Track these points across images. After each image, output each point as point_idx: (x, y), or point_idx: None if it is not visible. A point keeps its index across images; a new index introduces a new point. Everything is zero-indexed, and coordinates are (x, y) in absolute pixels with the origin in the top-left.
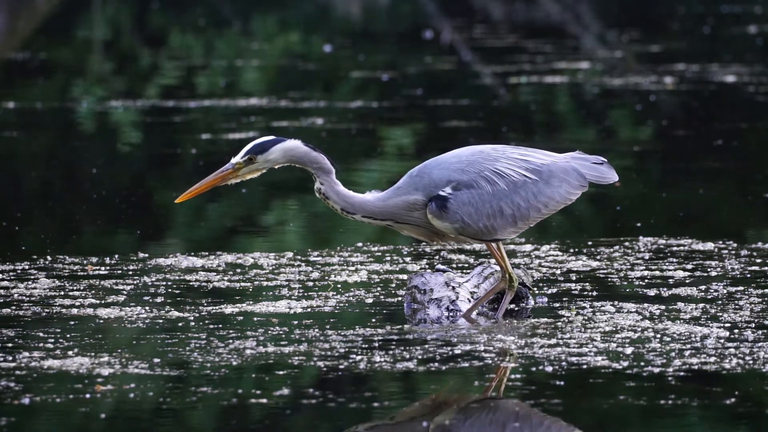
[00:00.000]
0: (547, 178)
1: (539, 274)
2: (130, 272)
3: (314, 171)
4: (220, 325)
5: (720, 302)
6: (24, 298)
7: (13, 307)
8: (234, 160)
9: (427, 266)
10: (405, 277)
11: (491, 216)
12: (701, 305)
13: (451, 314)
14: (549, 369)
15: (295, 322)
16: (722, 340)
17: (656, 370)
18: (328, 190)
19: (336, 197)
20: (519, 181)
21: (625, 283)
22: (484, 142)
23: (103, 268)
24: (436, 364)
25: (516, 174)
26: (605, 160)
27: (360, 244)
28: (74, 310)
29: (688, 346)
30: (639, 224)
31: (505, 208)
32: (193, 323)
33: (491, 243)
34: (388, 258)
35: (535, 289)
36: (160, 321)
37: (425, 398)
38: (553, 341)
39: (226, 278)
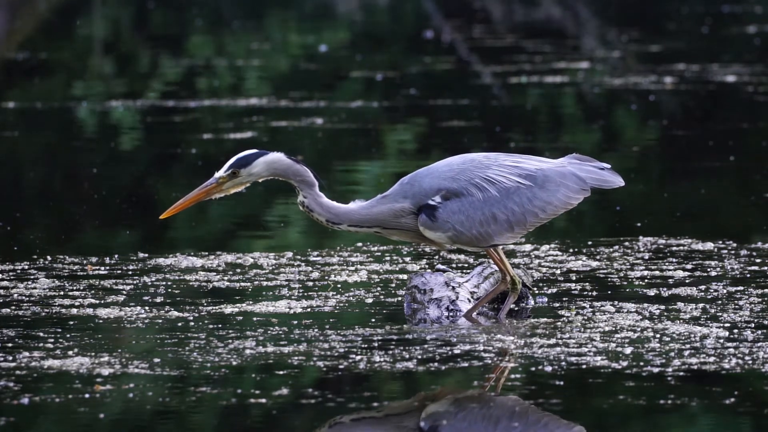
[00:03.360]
0: (542, 183)
1: (539, 274)
2: (130, 272)
3: (297, 184)
4: (220, 325)
5: (720, 302)
6: (24, 298)
7: (13, 307)
8: (217, 175)
9: (427, 266)
10: (405, 277)
11: (484, 223)
12: (701, 305)
13: (451, 314)
14: (549, 369)
15: (295, 322)
16: (722, 340)
17: (656, 370)
18: (311, 203)
19: (320, 209)
20: (512, 187)
21: (625, 283)
22: (483, 143)
23: (103, 268)
24: (436, 364)
25: (508, 180)
26: (608, 165)
27: (360, 244)
28: (74, 310)
29: (688, 346)
30: (639, 224)
31: (499, 214)
32: (192, 323)
33: (490, 249)
34: (388, 258)
35: (535, 289)
36: (160, 321)
37: (417, 394)
38: (553, 341)
39: (226, 278)
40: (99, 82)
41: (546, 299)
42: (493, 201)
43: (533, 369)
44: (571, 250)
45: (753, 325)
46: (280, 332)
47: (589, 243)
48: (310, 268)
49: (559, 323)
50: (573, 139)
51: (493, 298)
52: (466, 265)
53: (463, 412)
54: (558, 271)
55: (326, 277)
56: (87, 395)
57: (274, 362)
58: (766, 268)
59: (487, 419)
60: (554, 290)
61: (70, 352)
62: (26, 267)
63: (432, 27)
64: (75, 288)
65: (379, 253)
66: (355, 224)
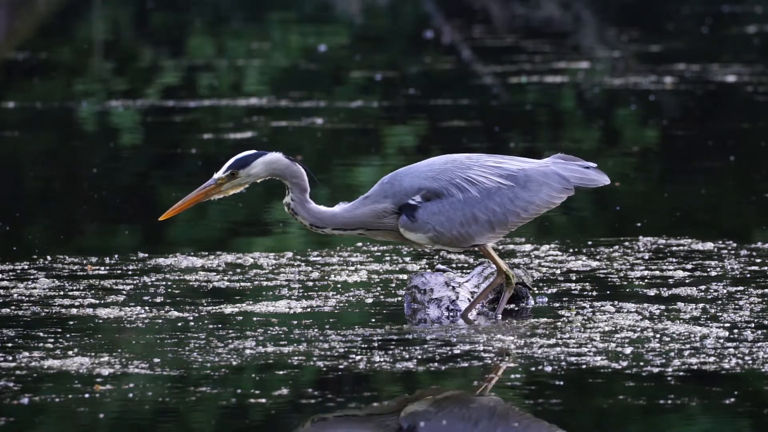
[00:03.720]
0: (523, 183)
1: (539, 274)
2: (130, 272)
3: (291, 185)
4: (220, 325)
5: (720, 302)
6: (24, 298)
7: (13, 307)
8: (216, 176)
9: (427, 266)
10: (405, 277)
11: (464, 224)
12: (701, 305)
13: (451, 314)
14: (548, 369)
15: (295, 322)
16: (722, 340)
17: (656, 370)
18: (297, 206)
19: (305, 213)
20: (492, 187)
21: (625, 283)
22: (483, 143)
23: (103, 268)
24: (436, 364)
25: (489, 181)
26: (594, 164)
27: (360, 244)
28: (74, 310)
29: (688, 346)
30: (639, 224)
31: (480, 215)
32: (192, 323)
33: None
34: (388, 258)
35: (535, 289)
36: (160, 321)
37: (401, 395)
38: (553, 341)
39: (226, 278)
40: (99, 82)
41: (546, 299)
42: (473, 202)
43: (533, 369)
44: (571, 250)
45: (753, 325)
46: (280, 332)
47: (589, 243)
48: (310, 268)
49: (559, 323)
50: (573, 139)
51: (493, 297)
52: (466, 265)
53: (443, 411)
54: (558, 271)
55: (326, 277)
56: (87, 395)
57: (274, 362)
58: (766, 268)
59: (466, 419)
60: (554, 290)
61: (70, 352)
62: (26, 267)
63: (432, 27)
64: (75, 288)
65: (379, 253)
66: (339, 227)
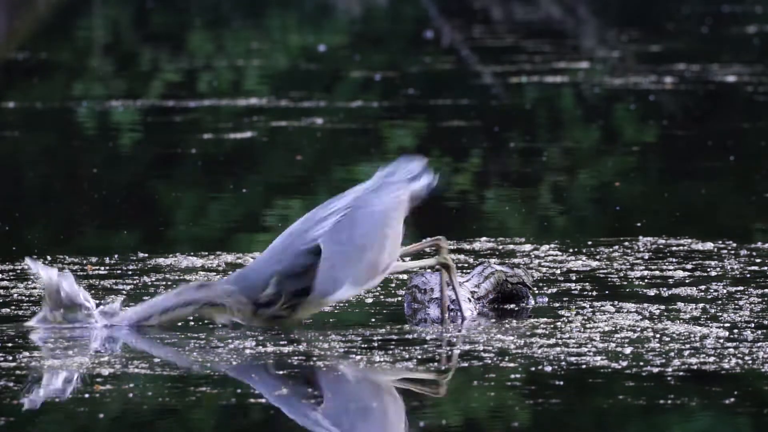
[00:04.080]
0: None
1: (539, 274)
2: (130, 272)
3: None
4: (220, 325)
5: (720, 302)
6: (24, 298)
7: (13, 307)
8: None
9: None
10: (405, 276)
11: (365, 248)
12: (701, 305)
13: (451, 314)
14: (548, 369)
15: None
16: (722, 340)
17: (656, 369)
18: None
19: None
20: (334, 251)
21: (625, 283)
22: (483, 143)
23: (103, 268)
24: (436, 364)
25: (331, 241)
26: (418, 169)
27: None
28: None
29: (688, 346)
30: (639, 224)
31: (365, 242)
32: (193, 323)
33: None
34: None
35: (535, 289)
36: None
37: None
38: (553, 341)
39: None
40: (99, 82)
41: (546, 299)
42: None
43: (533, 369)
44: (571, 250)
45: (753, 325)
46: (280, 332)
47: (589, 243)
48: None
49: (559, 323)
50: (573, 139)
51: (493, 298)
52: (466, 265)
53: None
54: (558, 271)
55: None
56: (87, 395)
57: (274, 362)
58: (766, 268)
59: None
60: (554, 290)
61: (70, 352)
62: (26, 267)
63: (432, 27)
64: None
65: None
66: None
